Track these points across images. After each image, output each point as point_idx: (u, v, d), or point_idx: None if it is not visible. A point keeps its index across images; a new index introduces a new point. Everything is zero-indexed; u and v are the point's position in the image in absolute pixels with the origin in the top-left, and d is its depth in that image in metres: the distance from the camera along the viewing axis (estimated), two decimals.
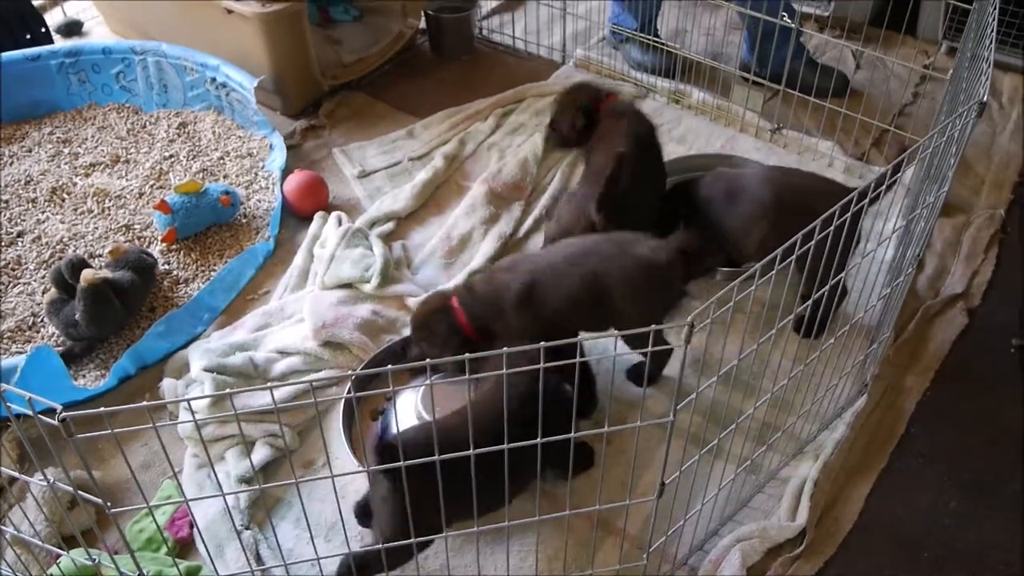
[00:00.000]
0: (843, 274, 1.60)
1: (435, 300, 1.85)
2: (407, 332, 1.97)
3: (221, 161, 2.56)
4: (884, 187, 1.67)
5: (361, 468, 1.70)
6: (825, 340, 1.81)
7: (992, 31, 1.63)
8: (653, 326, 1.15)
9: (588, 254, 1.79)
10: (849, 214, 1.36)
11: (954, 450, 1.82)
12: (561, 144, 2.23)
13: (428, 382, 1.77)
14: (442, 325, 1.79)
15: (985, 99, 1.43)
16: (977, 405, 1.90)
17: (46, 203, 2.41)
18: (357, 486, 1.73)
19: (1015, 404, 1.89)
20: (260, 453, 1.77)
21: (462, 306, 1.80)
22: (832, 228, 1.34)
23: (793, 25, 2.47)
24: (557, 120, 2.16)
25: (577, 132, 2.11)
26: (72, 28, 3.24)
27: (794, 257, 1.30)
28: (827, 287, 1.51)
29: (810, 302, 1.55)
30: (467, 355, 1.11)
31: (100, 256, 2.23)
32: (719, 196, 2.02)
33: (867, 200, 1.48)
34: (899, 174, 1.59)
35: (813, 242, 1.31)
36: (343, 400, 1.85)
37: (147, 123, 2.71)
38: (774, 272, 1.31)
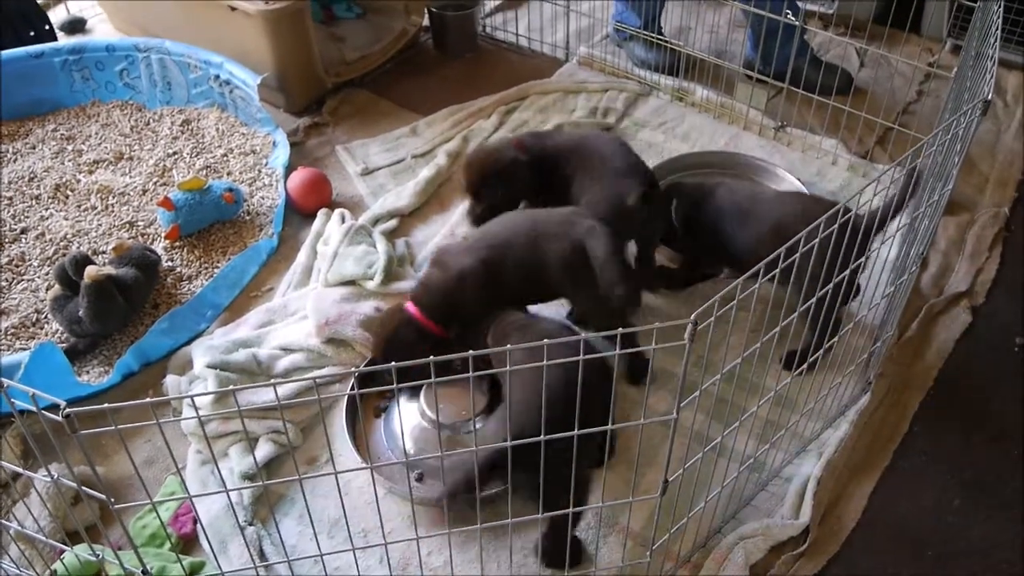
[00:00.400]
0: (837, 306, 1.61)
1: (391, 316, 1.82)
2: None
3: (224, 158, 2.56)
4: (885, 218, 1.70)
5: (364, 465, 1.70)
6: (828, 339, 1.81)
7: (997, 29, 1.62)
8: (656, 324, 1.14)
9: (535, 228, 1.82)
10: (837, 228, 1.35)
11: (957, 449, 1.82)
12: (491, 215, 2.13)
13: (432, 380, 1.77)
14: (409, 337, 1.77)
15: (990, 97, 1.43)
16: (980, 404, 1.90)
17: (50, 200, 2.42)
18: (360, 483, 1.74)
19: (1018, 403, 1.89)
20: (263, 450, 1.77)
21: (421, 308, 1.79)
22: (830, 246, 1.34)
23: (797, 23, 2.47)
24: (490, 189, 2.06)
25: (536, 186, 2.07)
26: (75, 25, 3.24)
27: (798, 255, 1.30)
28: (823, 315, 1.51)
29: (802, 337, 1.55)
30: (472, 352, 1.11)
31: (104, 253, 2.24)
32: (732, 209, 1.99)
33: (857, 219, 1.47)
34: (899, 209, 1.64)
35: (800, 252, 1.30)
36: (346, 397, 1.85)
37: (151, 120, 2.71)
38: (778, 270, 1.30)
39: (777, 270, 1.28)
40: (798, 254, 1.29)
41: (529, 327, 1.73)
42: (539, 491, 1.34)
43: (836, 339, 1.78)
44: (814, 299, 1.48)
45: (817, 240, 1.31)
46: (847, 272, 1.50)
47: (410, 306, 1.80)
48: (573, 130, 2.45)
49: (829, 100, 2.46)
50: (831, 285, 1.48)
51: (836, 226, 1.33)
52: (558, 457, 1.30)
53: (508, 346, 1.19)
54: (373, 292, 2.08)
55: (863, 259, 1.65)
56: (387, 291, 2.07)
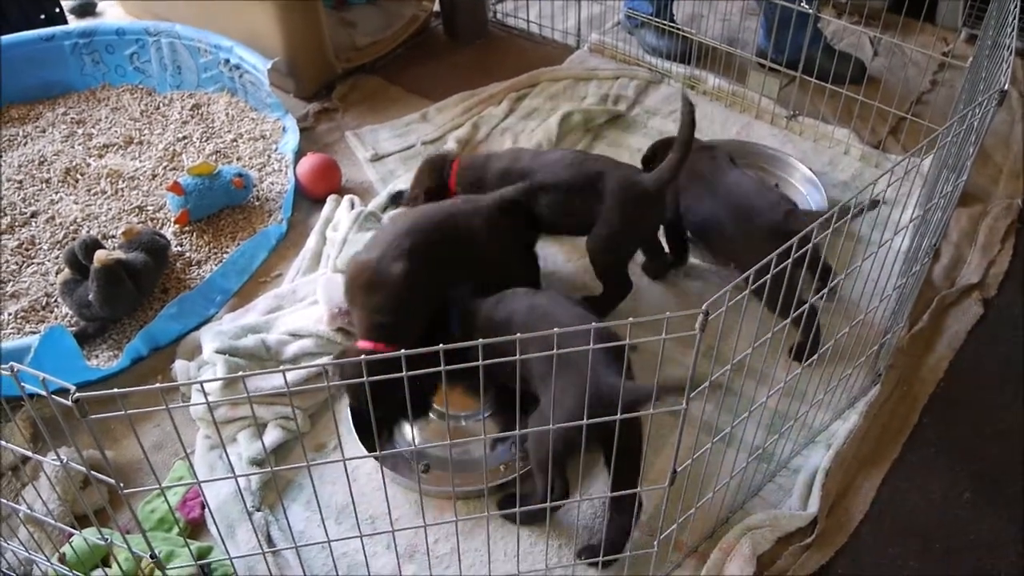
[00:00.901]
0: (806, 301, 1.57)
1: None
2: None
3: (234, 143, 2.56)
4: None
5: (373, 453, 1.70)
6: (839, 330, 1.80)
7: (1014, 19, 1.61)
8: (667, 313, 1.14)
9: (448, 215, 1.84)
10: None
11: (967, 442, 1.81)
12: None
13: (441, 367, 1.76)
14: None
15: (1006, 87, 1.41)
16: (991, 396, 1.89)
17: (60, 184, 2.42)
18: (368, 469, 1.74)
19: None
20: (272, 435, 1.77)
21: (378, 338, 1.69)
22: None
23: (811, 11, 2.45)
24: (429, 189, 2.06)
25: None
26: (86, 8, 3.24)
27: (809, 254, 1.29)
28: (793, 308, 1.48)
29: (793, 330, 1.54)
30: (482, 340, 1.11)
31: (113, 237, 2.24)
32: (697, 179, 1.98)
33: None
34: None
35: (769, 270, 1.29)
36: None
37: (160, 104, 2.71)
38: (789, 262, 1.30)
39: (763, 281, 1.27)
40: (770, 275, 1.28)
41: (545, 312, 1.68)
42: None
43: (839, 337, 1.76)
44: (800, 309, 1.45)
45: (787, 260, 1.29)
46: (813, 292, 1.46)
47: (364, 343, 1.69)
48: (509, 151, 2.24)
49: (842, 89, 2.44)
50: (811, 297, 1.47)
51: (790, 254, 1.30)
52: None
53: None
54: None
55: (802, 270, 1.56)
56: None
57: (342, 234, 2.16)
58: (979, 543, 1.64)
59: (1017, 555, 1.62)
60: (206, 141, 2.56)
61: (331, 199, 2.34)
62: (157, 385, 1.03)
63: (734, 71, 2.70)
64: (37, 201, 2.36)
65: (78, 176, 2.44)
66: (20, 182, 2.42)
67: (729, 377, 1.38)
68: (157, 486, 1.16)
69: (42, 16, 2.91)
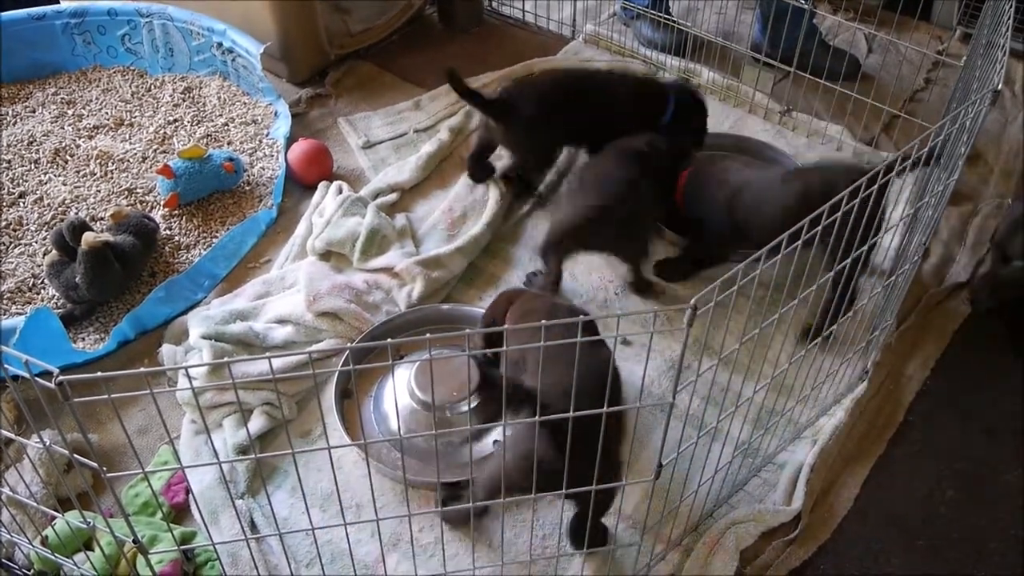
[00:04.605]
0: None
1: None
2: (402, 303, 1.99)
3: (225, 127, 2.54)
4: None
5: (358, 442, 1.70)
6: (827, 327, 1.80)
7: (1009, 19, 1.61)
8: (655, 308, 1.14)
9: None
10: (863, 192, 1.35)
11: (952, 439, 1.82)
12: None
13: (428, 356, 1.76)
14: None
15: (999, 87, 1.41)
16: (976, 395, 1.90)
17: (49, 164, 2.40)
18: (354, 457, 1.74)
19: (1014, 395, 1.89)
20: (257, 422, 1.76)
21: None
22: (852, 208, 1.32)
23: (806, 6, 2.45)
24: None
25: None
26: None
27: (800, 242, 1.29)
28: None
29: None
30: (469, 331, 1.10)
31: (102, 219, 2.22)
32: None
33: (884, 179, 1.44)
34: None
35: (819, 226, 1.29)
36: (338, 373, 1.84)
37: (152, 87, 2.69)
38: (780, 256, 1.30)
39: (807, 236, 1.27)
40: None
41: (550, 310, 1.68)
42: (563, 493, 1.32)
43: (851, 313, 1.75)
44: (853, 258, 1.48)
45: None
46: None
47: None
48: None
49: (836, 85, 2.44)
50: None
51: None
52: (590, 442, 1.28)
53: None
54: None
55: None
56: (365, 267, 2.07)
57: (327, 218, 2.15)
58: (962, 540, 1.65)
59: (999, 553, 1.63)
60: (197, 125, 2.54)
61: (322, 185, 2.33)
62: (142, 369, 1.02)
63: (728, 65, 2.69)
64: (25, 182, 2.34)
65: (67, 157, 2.42)
66: (9, 162, 2.40)
67: (716, 371, 1.38)
68: (141, 470, 1.16)
69: None
